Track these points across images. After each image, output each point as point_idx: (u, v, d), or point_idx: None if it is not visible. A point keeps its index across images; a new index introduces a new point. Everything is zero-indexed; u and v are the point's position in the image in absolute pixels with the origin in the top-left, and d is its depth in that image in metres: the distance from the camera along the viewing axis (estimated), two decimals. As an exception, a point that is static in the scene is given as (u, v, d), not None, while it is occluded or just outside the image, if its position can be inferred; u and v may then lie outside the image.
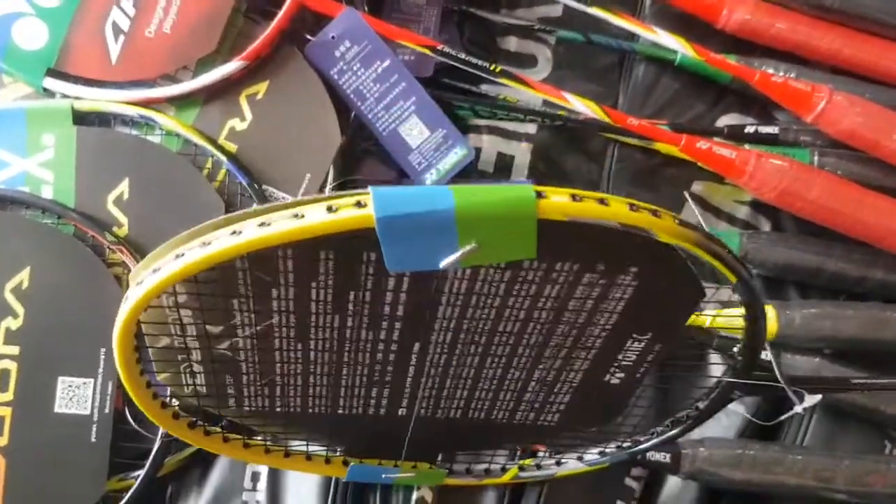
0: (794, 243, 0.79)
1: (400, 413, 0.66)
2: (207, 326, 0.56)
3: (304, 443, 0.70)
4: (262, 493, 0.75)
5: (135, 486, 0.71)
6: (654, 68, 0.86)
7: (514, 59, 0.86)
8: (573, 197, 0.46)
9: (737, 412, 0.77)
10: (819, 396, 0.65)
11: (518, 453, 0.76)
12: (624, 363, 0.62)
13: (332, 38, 0.76)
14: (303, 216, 0.45)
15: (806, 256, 0.78)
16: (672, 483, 0.77)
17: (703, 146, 0.75)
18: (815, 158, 0.79)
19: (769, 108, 0.85)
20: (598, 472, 0.73)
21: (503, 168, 0.84)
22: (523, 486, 0.77)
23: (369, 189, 0.45)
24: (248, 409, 0.64)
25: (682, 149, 0.76)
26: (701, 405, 0.66)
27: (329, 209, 0.45)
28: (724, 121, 0.85)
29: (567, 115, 0.81)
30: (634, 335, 0.60)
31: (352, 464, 0.70)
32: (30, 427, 0.70)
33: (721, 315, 0.71)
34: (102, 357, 0.71)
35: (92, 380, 0.71)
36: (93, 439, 0.70)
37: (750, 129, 0.82)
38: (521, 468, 0.74)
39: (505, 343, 0.60)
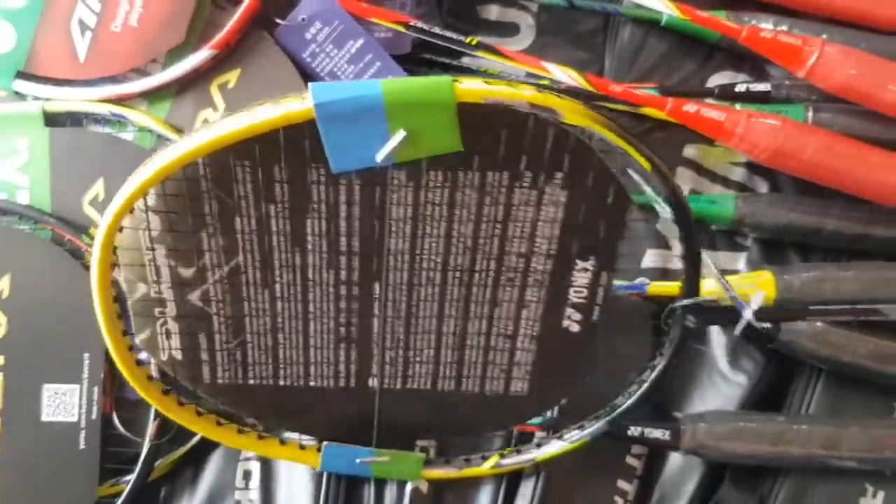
0: (790, 204, 0.76)
1: (371, 384, 0.68)
2: (179, 269, 0.61)
3: (279, 428, 0.71)
4: (254, 490, 0.74)
5: (126, 491, 0.70)
6: (641, 30, 0.83)
7: (495, 29, 0.83)
8: (485, 83, 0.54)
9: (738, 383, 0.75)
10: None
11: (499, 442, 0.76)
12: (576, 301, 0.66)
13: (302, 20, 0.74)
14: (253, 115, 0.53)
15: (803, 217, 0.75)
16: (675, 459, 0.75)
17: (691, 109, 0.72)
18: (810, 115, 0.75)
19: (762, 63, 0.82)
20: (596, 454, 0.72)
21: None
22: (519, 475, 0.75)
23: (309, 84, 0.53)
24: (221, 381, 0.66)
25: (669, 113, 0.73)
26: (663, 350, 0.67)
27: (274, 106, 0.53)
28: (716, 80, 0.82)
29: (550, 85, 0.78)
30: (578, 261, 0.64)
31: (325, 444, 0.69)
32: (18, 437, 0.70)
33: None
34: (87, 362, 0.70)
35: (77, 386, 0.70)
36: (82, 446, 0.70)
37: (741, 88, 0.79)
38: (502, 455, 0.73)
39: (459, 278, 0.64)
